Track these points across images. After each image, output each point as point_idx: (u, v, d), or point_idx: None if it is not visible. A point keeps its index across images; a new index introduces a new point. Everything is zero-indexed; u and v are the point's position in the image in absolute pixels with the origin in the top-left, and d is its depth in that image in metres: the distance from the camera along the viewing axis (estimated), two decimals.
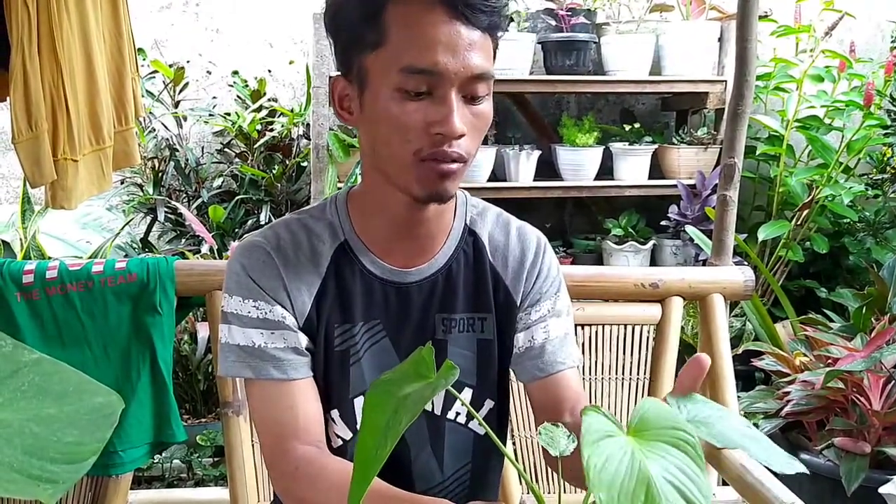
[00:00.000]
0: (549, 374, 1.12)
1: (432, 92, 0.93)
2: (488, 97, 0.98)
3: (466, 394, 1.11)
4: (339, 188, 2.70)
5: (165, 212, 3.04)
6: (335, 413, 1.08)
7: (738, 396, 1.84)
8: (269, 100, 3.15)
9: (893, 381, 2.04)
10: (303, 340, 1.05)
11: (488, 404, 1.13)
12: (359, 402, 1.07)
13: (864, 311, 2.44)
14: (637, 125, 3.24)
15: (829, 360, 2.17)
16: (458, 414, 1.12)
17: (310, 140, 2.92)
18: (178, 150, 3.12)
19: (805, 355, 2.32)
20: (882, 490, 1.80)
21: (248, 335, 1.03)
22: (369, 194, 1.06)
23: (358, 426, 1.07)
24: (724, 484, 1.58)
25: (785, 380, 2.26)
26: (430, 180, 0.96)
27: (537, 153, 3.07)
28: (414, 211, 1.03)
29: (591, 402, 1.65)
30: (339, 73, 1.01)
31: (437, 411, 1.11)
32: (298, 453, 1.01)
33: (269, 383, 1.03)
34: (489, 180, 3.03)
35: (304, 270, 1.05)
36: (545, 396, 1.13)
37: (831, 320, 2.59)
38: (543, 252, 1.15)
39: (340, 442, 1.09)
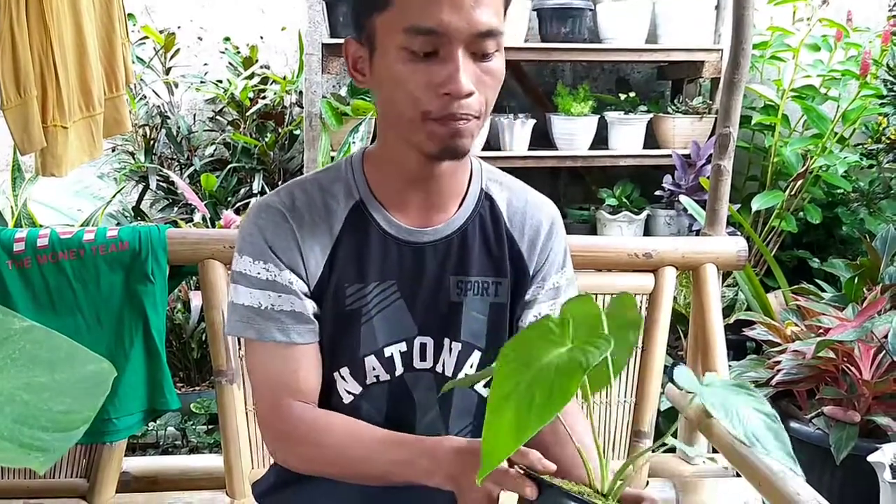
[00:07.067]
0: None
1: (439, 51, 0.92)
2: (499, 53, 0.96)
3: (476, 356, 1.12)
4: (332, 157, 2.69)
5: (157, 180, 3.03)
6: (345, 371, 1.09)
7: (730, 365, 1.85)
8: (261, 67, 3.12)
9: (884, 351, 2.06)
10: (309, 308, 1.05)
11: None
12: (369, 361, 1.08)
13: (856, 281, 2.44)
14: (632, 94, 3.22)
15: (821, 330, 2.18)
16: (465, 376, 1.13)
17: (302, 108, 2.89)
18: (169, 118, 3.10)
19: (796, 325, 2.33)
20: (871, 458, 1.82)
21: (254, 296, 1.04)
22: (384, 152, 1.06)
23: (368, 381, 1.09)
24: (715, 451, 1.59)
25: (776, 349, 2.27)
26: (441, 137, 0.95)
27: (532, 122, 3.05)
28: (428, 167, 1.02)
29: None
30: (353, 35, 1.01)
31: (448, 373, 1.12)
32: (297, 411, 1.03)
33: (271, 345, 1.04)
34: (483, 149, 3.01)
35: (319, 230, 1.05)
36: None
37: (823, 290, 2.59)
38: (558, 224, 1.17)
39: (351, 397, 1.10)
